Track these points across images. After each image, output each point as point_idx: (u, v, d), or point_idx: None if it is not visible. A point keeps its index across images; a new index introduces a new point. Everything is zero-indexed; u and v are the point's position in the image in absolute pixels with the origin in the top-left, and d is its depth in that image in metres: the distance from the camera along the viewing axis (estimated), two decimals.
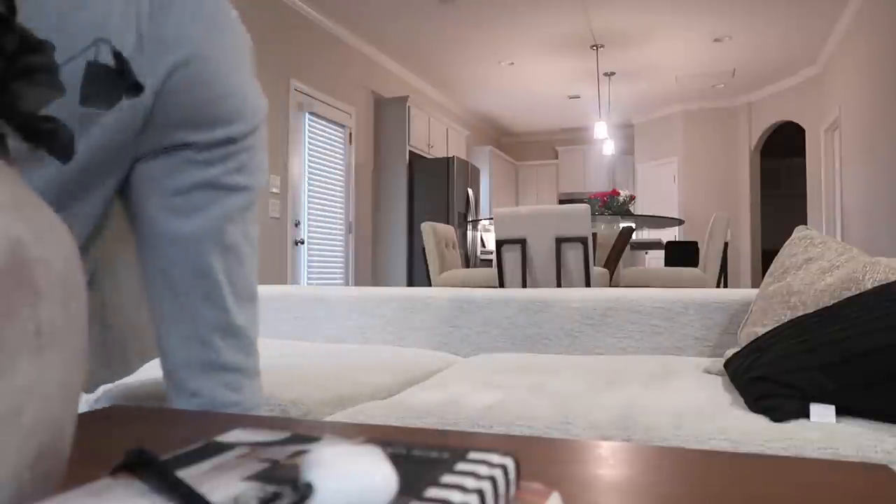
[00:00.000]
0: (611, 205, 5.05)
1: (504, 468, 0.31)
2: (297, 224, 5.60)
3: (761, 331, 1.26)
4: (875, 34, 5.21)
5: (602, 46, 6.76)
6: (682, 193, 8.94)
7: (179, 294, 0.84)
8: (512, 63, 7.35)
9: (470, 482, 0.28)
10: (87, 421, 0.64)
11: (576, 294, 1.83)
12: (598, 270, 3.57)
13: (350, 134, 6.39)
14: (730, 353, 1.28)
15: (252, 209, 0.90)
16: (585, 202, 4.90)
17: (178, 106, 0.80)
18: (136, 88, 0.36)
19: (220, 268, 0.86)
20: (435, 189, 6.90)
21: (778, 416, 0.95)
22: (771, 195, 10.18)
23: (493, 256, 3.98)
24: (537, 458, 0.51)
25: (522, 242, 3.49)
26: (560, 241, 3.40)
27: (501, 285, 3.61)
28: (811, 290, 1.22)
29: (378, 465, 0.26)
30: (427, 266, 4.14)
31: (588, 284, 3.37)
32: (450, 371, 1.44)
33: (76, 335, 0.32)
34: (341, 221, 6.25)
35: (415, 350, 1.76)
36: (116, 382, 1.23)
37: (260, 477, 0.28)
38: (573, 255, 3.41)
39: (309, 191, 5.71)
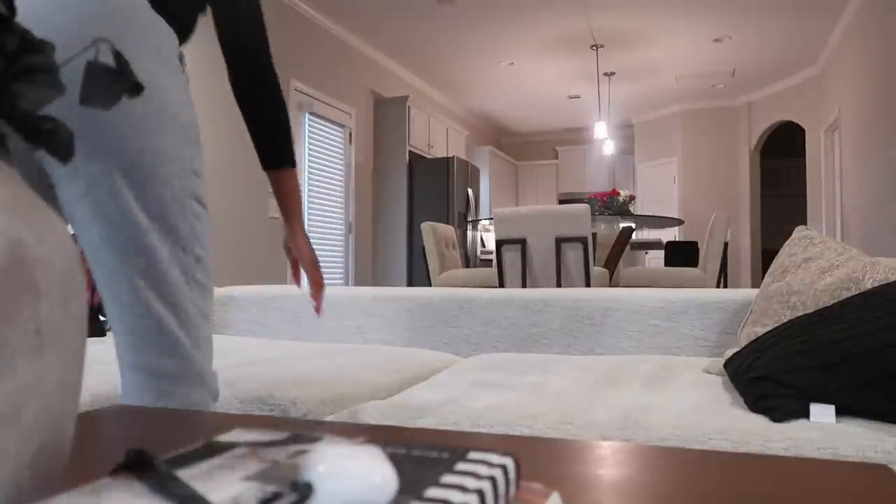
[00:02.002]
0: (611, 205, 5.05)
1: (504, 468, 0.31)
2: None
3: (761, 331, 1.26)
4: (875, 34, 5.21)
5: (602, 46, 6.76)
6: (682, 193, 8.94)
7: None
8: (512, 63, 7.35)
9: (470, 482, 0.28)
10: (87, 421, 0.64)
11: (576, 294, 1.83)
12: (598, 270, 3.57)
13: (350, 134, 6.39)
14: (730, 352, 1.28)
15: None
16: (585, 202, 4.89)
17: None
18: (137, 88, 0.36)
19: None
20: (435, 189, 6.90)
21: (778, 416, 0.95)
22: (771, 195, 10.17)
23: (493, 256, 3.97)
24: (537, 458, 0.51)
25: (522, 242, 3.49)
26: (560, 241, 3.40)
27: (501, 285, 3.61)
28: (811, 289, 1.22)
29: (378, 465, 0.26)
30: (427, 266, 4.14)
31: (588, 284, 3.37)
32: (450, 371, 1.44)
33: (76, 335, 0.32)
34: (341, 221, 6.25)
35: (415, 350, 1.76)
36: (117, 382, 1.23)
37: (260, 477, 0.28)
38: (573, 255, 3.41)
39: (309, 191, 5.71)
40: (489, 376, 1.34)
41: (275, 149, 1.10)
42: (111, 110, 0.76)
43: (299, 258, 1.18)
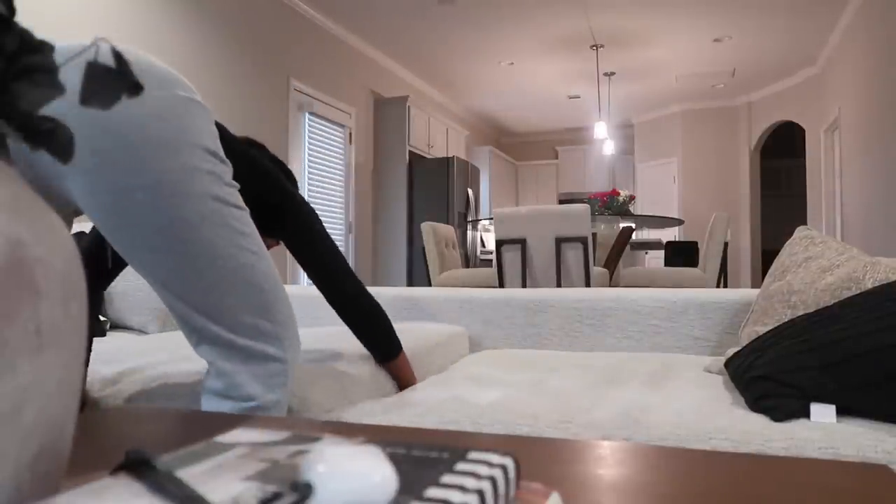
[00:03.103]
0: (611, 205, 5.05)
1: (504, 468, 0.31)
2: None
3: (762, 330, 1.26)
4: (875, 34, 5.21)
5: (602, 46, 6.76)
6: (682, 193, 8.94)
7: None
8: (512, 63, 7.35)
9: (470, 482, 0.28)
10: (87, 421, 0.64)
11: (576, 294, 1.83)
12: (598, 270, 3.57)
13: (350, 134, 6.39)
14: (730, 352, 1.28)
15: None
16: (585, 202, 4.89)
17: None
18: (137, 88, 0.36)
19: None
20: (435, 189, 6.90)
21: (778, 415, 0.95)
22: (771, 195, 10.17)
23: (493, 256, 3.97)
24: (537, 458, 0.51)
25: (522, 242, 3.49)
26: (560, 241, 3.40)
27: (501, 285, 3.61)
28: (812, 289, 1.22)
29: (378, 465, 0.26)
30: (427, 266, 4.14)
31: (588, 284, 3.37)
32: (450, 369, 1.44)
33: (76, 335, 0.32)
34: (341, 221, 6.25)
35: (414, 324, 1.76)
36: (117, 383, 1.23)
37: (260, 477, 0.28)
38: (573, 255, 3.41)
39: (309, 191, 5.71)
40: (489, 374, 1.34)
41: (372, 350, 1.34)
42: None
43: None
